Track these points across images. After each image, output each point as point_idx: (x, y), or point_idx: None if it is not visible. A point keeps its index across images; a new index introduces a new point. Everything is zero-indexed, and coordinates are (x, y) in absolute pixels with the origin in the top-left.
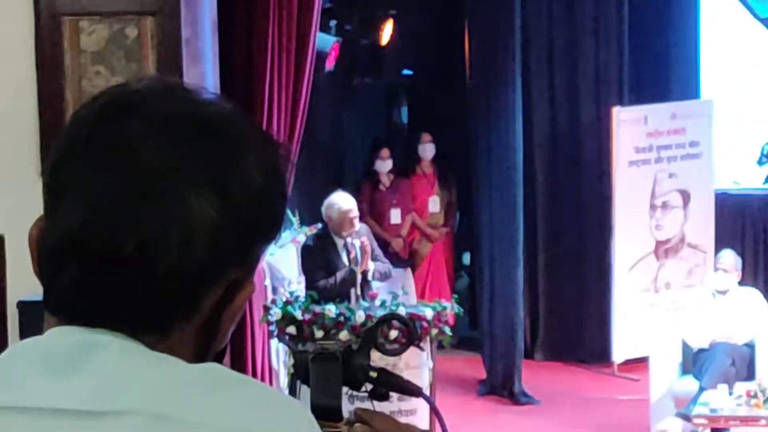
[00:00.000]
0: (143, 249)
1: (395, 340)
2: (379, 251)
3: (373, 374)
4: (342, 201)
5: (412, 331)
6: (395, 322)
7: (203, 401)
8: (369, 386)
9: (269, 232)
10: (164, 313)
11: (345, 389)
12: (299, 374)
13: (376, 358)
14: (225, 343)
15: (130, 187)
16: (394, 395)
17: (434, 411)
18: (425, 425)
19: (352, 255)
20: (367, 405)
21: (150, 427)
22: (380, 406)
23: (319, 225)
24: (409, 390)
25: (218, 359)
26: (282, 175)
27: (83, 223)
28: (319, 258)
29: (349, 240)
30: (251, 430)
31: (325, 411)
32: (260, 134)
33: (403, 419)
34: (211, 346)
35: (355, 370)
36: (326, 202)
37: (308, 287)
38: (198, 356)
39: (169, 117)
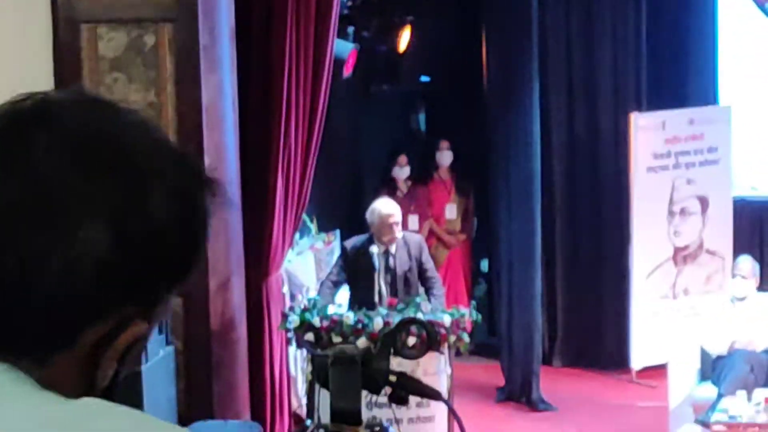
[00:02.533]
0: (23, 268)
1: (413, 347)
2: (430, 267)
3: (393, 378)
4: (383, 206)
5: (431, 335)
6: (414, 329)
7: None
8: (389, 390)
9: (175, 272)
10: (41, 339)
11: (365, 393)
12: (319, 378)
13: (395, 365)
14: (107, 380)
15: (21, 202)
16: (412, 402)
17: (453, 414)
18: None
19: (389, 263)
20: (386, 410)
21: None
22: (399, 411)
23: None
24: (429, 394)
25: (106, 396)
26: (198, 214)
27: None
28: (345, 259)
29: (389, 248)
30: None
31: (345, 415)
32: (180, 168)
33: (421, 426)
34: (94, 382)
35: (374, 374)
36: (370, 207)
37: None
38: (80, 390)
39: (80, 135)
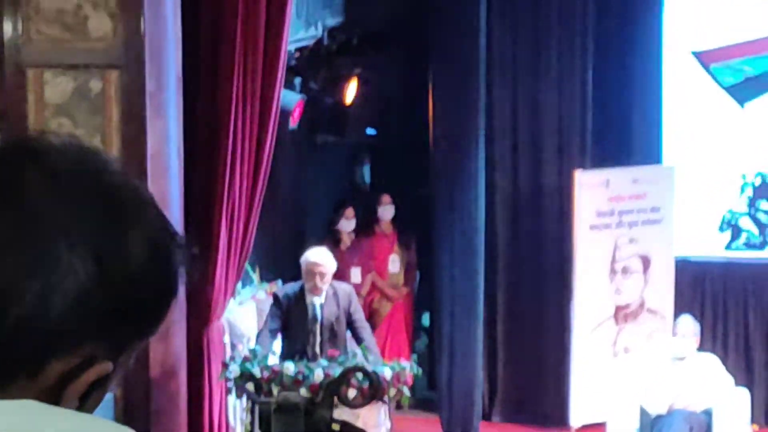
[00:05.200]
0: (1, 288)
1: (354, 400)
2: (359, 317)
3: (336, 427)
4: (312, 254)
5: (375, 385)
6: (354, 382)
7: None
8: None
9: (144, 319)
10: (5, 364)
11: None
12: (261, 425)
13: (335, 415)
14: None
15: (5, 227)
16: None
17: None
18: None
19: (317, 313)
20: None
21: None
22: None
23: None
24: None
25: None
26: (170, 266)
27: None
28: (279, 307)
29: (320, 297)
30: None
31: None
32: (158, 219)
33: None
34: None
35: (317, 421)
36: (303, 255)
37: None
38: None
39: (70, 173)
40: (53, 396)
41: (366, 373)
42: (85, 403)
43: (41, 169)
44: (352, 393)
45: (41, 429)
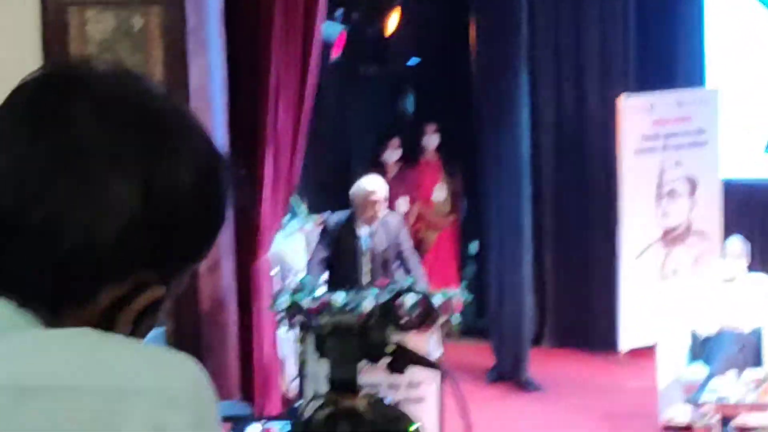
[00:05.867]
0: (51, 219)
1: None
2: (407, 247)
3: (391, 348)
4: (366, 182)
5: (427, 307)
6: (404, 312)
7: (77, 365)
8: (386, 360)
9: (192, 243)
10: (58, 291)
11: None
12: (317, 348)
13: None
14: None
15: (54, 156)
16: (402, 383)
17: (451, 382)
18: (433, 415)
19: (368, 243)
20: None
21: (18, 401)
22: (389, 392)
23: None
24: (427, 363)
25: None
26: (219, 189)
27: None
28: (327, 238)
29: (370, 228)
30: (130, 387)
31: (343, 384)
32: (204, 143)
33: (411, 408)
34: None
35: (372, 343)
36: (355, 184)
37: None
38: None
39: (115, 100)
40: (106, 322)
41: (420, 293)
42: (138, 328)
43: (87, 97)
44: (403, 320)
45: (102, 357)
